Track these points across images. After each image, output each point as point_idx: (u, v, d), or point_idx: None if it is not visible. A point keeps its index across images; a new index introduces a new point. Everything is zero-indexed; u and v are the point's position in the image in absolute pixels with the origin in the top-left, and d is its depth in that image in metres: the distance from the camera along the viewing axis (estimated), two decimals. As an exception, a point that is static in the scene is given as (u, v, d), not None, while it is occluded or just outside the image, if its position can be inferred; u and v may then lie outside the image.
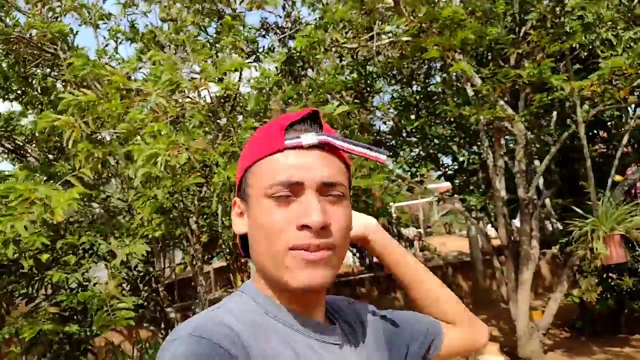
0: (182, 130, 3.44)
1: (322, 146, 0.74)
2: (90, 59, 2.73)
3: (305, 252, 0.70)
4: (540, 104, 4.53)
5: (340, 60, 6.48)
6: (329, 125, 0.79)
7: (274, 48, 5.35)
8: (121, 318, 3.20)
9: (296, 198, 0.72)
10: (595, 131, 6.62)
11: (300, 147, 0.73)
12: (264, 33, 5.25)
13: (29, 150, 5.62)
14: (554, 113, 5.71)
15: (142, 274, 4.77)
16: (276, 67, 5.18)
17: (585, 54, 5.63)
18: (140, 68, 4.63)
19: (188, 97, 3.06)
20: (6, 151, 5.72)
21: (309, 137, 0.73)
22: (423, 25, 4.14)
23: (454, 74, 5.68)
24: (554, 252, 6.86)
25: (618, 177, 5.88)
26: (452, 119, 5.67)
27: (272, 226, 0.71)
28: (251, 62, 4.46)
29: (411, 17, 4.32)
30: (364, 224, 0.96)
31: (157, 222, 3.45)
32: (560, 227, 6.59)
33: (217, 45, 3.94)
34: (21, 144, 5.58)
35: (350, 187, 0.80)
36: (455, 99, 5.31)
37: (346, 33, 4.02)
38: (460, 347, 1.00)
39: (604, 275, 5.72)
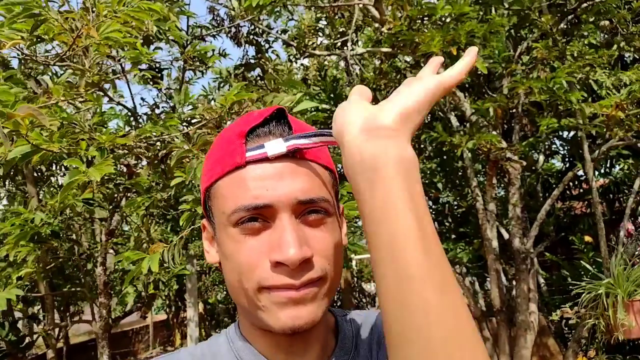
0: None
1: (294, 153, 0.56)
2: None
3: (283, 291, 0.54)
4: (547, 130, 3.71)
5: (305, 82, 5.60)
6: (299, 120, 0.60)
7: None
8: None
9: (267, 223, 0.55)
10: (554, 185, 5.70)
11: (265, 159, 0.55)
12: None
13: None
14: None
15: (20, 334, 3.44)
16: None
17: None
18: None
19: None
20: None
21: (275, 145, 0.56)
22: (413, 21, 3.30)
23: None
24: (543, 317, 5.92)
25: (588, 238, 5.19)
26: (432, 154, 4.78)
27: (241, 262, 0.56)
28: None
29: (392, 18, 3.49)
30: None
31: (22, 256, 2.25)
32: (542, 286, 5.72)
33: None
34: None
35: (337, 197, 0.63)
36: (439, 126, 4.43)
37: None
38: None
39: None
